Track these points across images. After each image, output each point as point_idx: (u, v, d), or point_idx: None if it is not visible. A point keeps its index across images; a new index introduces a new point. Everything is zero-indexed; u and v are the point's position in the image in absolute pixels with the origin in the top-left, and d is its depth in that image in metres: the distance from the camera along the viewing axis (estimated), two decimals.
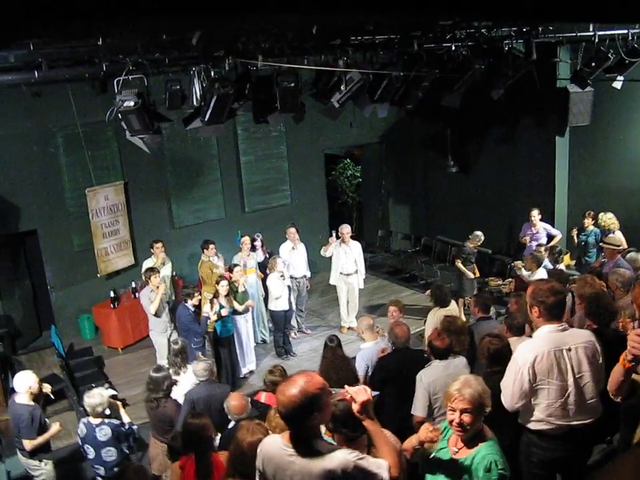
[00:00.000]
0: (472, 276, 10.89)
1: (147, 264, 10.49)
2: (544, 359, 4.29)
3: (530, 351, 4.35)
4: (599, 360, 4.41)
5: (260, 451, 3.37)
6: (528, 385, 4.32)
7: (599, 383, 4.37)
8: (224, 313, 9.14)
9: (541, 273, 9.00)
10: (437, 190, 15.04)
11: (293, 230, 11.19)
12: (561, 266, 9.87)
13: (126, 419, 6.57)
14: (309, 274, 11.45)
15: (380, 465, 3.18)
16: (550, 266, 9.49)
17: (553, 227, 11.54)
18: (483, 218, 13.50)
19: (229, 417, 5.92)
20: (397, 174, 15.42)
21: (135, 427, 6.52)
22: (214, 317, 8.97)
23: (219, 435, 5.89)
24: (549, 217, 11.98)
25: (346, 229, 11.05)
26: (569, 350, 4.34)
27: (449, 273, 13.10)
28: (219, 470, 5.06)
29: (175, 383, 6.89)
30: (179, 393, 6.91)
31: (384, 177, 15.45)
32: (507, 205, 13.06)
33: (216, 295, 9.21)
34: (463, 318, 7.93)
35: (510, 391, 4.39)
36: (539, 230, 11.19)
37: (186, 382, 7.15)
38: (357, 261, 11.19)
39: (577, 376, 4.36)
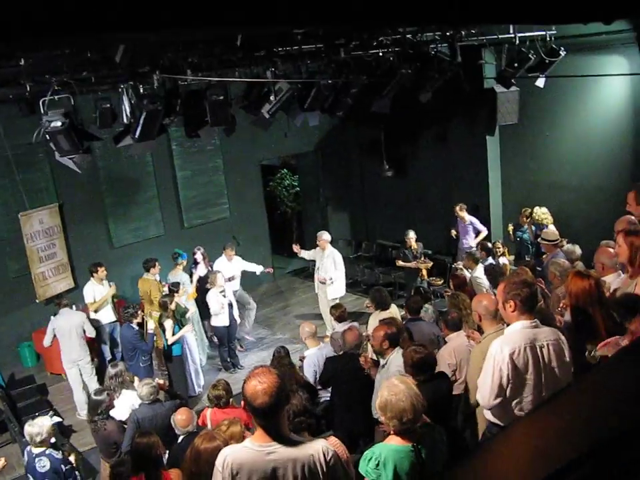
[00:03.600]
0: (412, 265, 11.40)
1: (89, 289, 10.21)
2: (521, 354, 4.32)
3: (507, 346, 4.35)
4: (566, 358, 4.47)
5: (226, 464, 3.31)
6: (506, 380, 4.33)
7: (564, 380, 4.41)
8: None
9: (480, 270, 9.19)
10: (374, 194, 15.19)
11: (229, 249, 11.32)
12: (503, 259, 10.10)
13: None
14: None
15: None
16: (491, 261, 9.70)
17: (484, 223, 11.83)
18: (421, 219, 13.72)
19: (176, 431, 5.90)
20: (335, 181, 15.55)
21: (76, 473, 6.39)
22: (174, 338, 9.02)
23: (167, 452, 5.86)
24: (485, 214, 12.27)
25: (324, 236, 11.26)
26: (542, 347, 4.38)
27: (390, 277, 13.28)
28: None
29: (112, 406, 6.84)
30: (117, 414, 6.87)
31: (322, 185, 15.55)
32: (444, 205, 13.26)
33: (168, 315, 9.13)
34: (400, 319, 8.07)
35: (488, 388, 4.38)
36: (466, 222, 11.69)
37: (123, 404, 7.09)
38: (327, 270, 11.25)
39: (547, 372, 4.39)
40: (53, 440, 6.32)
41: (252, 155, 13.97)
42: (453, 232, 12.08)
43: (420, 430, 3.98)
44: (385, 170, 14.02)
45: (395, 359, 5.97)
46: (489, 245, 10.16)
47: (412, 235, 11.45)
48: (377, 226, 15.30)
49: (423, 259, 11.47)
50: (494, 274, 8.39)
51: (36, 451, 6.12)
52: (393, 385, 4.00)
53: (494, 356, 4.38)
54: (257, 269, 11.70)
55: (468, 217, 11.74)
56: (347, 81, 8.78)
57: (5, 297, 11.24)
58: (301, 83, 8.60)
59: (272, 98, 8.26)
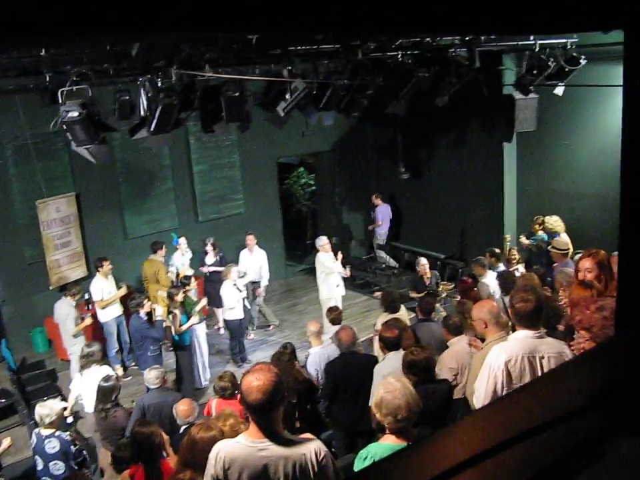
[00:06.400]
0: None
1: (96, 286, 10.27)
2: (517, 362, 4.31)
3: (504, 354, 4.36)
4: None
5: (218, 458, 3.37)
6: (500, 386, 4.33)
7: None
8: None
9: (489, 276, 9.18)
10: (389, 196, 15.18)
11: (250, 237, 11.53)
12: (520, 268, 10.02)
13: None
14: (263, 281, 11.57)
15: None
16: (503, 268, 9.68)
17: (502, 231, 11.83)
18: (435, 223, 13.74)
19: (178, 421, 5.97)
20: (350, 181, 15.57)
21: (85, 453, 6.52)
22: (182, 328, 9.09)
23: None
24: (499, 221, 12.26)
25: (324, 240, 11.08)
26: (542, 358, 4.36)
27: (402, 279, 13.30)
28: (169, 476, 5.10)
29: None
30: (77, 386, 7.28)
31: (337, 185, 15.58)
32: (458, 210, 13.29)
33: (175, 306, 9.23)
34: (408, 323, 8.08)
35: (483, 392, 4.40)
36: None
37: (88, 378, 7.37)
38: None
39: None
40: (70, 420, 6.44)
41: (269, 152, 14.03)
42: (379, 222, 13.98)
43: (416, 430, 4.02)
44: (401, 172, 14.03)
45: (386, 361, 6.04)
46: (497, 250, 10.10)
47: (424, 261, 10.93)
48: (391, 228, 15.30)
49: (436, 289, 10.87)
50: (505, 281, 8.36)
51: (45, 432, 6.23)
52: (388, 383, 4.05)
53: (490, 362, 4.41)
54: (264, 279, 11.74)
55: (380, 206, 13.92)
56: (363, 82, 8.82)
57: (20, 282, 11.40)
58: (317, 83, 8.65)
59: (287, 96, 8.32)
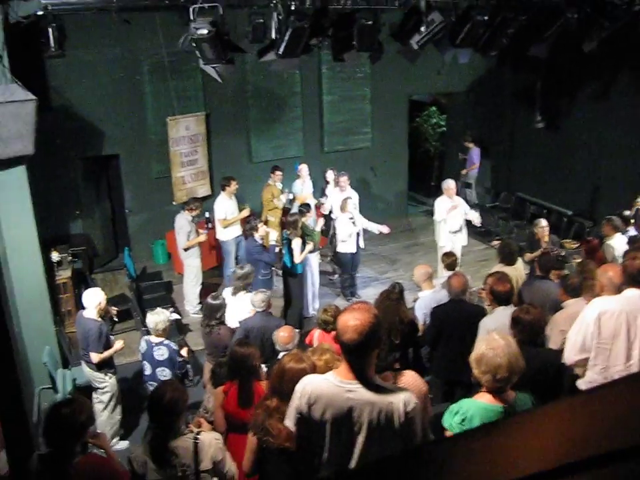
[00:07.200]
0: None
1: (220, 205, 10.37)
2: (613, 317, 4.13)
3: (600, 306, 4.20)
4: None
5: (304, 392, 3.32)
6: (590, 337, 4.18)
7: None
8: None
9: (617, 239, 8.62)
10: (522, 145, 14.54)
11: (344, 178, 11.05)
12: None
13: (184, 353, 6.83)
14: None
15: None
16: (635, 233, 9.08)
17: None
18: (566, 177, 13.05)
19: (277, 347, 6.03)
20: (483, 125, 14.99)
21: (189, 366, 6.76)
22: (300, 258, 9.14)
23: (266, 365, 6.02)
24: (634, 184, 11.44)
25: (451, 184, 10.60)
26: None
27: (525, 232, 12.78)
28: (259, 399, 5.18)
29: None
30: (231, 318, 7.15)
31: (469, 128, 15.02)
32: (593, 166, 12.51)
33: (296, 233, 9.26)
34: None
35: (572, 343, 4.29)
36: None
37: (239, 307, 7.36)
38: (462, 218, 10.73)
39: None
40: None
41: (402, 88, 13.70)
42: (474, 165, 14.17)
43: (514, 394, 3.84)
44: (537, 121, 13.33)
45: (494, 315, 5.83)
46: (628, 212, 9.43)
47: (544, 223, 9.69)
48: (520, 177, 14.66)
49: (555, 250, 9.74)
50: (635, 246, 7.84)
51: (155, 340, 6.50)
52: (492, 340, 3.84)
53: (585, 313, 4.28)
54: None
55: (473, 149, 14.08)
56: (505, 19, 8.29)
57: (147, 195, 11.87)
58: (455, 17, 8.22)
59: (423, 29, 7.98)
